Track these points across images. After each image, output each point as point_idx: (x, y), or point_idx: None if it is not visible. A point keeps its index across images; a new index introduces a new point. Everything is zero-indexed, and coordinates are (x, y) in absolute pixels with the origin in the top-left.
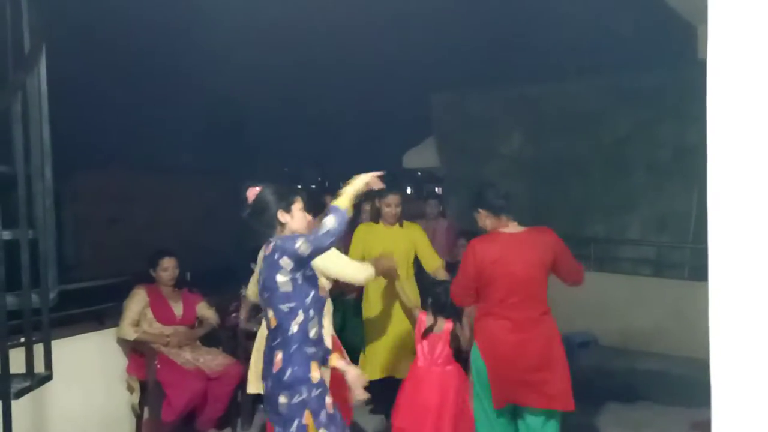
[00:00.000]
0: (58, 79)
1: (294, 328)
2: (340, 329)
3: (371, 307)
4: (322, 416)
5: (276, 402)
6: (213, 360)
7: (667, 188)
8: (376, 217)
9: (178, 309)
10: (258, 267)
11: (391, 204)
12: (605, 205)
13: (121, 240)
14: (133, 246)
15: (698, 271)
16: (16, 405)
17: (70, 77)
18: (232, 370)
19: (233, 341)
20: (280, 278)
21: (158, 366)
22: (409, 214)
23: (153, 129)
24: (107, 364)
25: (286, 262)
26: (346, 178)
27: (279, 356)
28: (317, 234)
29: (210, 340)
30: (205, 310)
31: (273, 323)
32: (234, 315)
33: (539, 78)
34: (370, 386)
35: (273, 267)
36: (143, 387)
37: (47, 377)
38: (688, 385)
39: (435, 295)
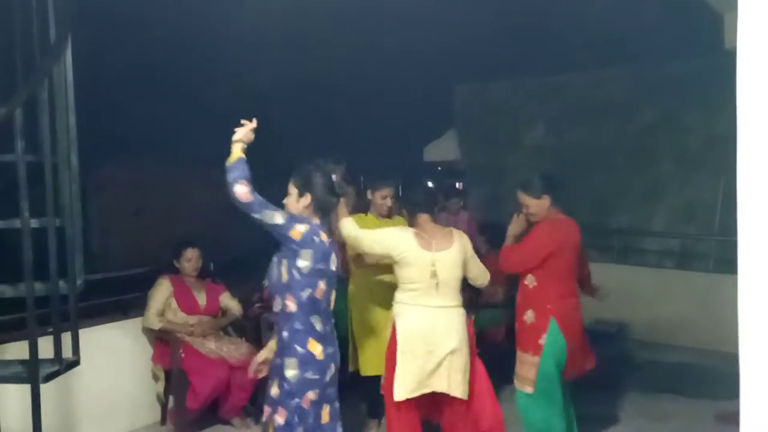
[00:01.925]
0: (83, 68)
1: None
2: None
3: (361, 299)
4: None
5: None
6: (236, 349)
7: (693, 179)
8: (366, 207)
9: (201, 299)
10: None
11: (386, 196)
12: (629, 196)
13: (146, 230)
14: (158, 236)
15: (724, 263)
16: (44, 390)
17: (96, 66)
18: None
19: (256, 331)
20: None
21: (183, 355)
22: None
23: (178, 120)
24: (133, 353)
25: None
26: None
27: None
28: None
29: (233, 330)
30: (228, 301)
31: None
32: (257, 305)
33: (563, 67)
34: (363, 383)
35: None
36: (168, 376)
37: (75, 362)
38: (713, 377)
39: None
